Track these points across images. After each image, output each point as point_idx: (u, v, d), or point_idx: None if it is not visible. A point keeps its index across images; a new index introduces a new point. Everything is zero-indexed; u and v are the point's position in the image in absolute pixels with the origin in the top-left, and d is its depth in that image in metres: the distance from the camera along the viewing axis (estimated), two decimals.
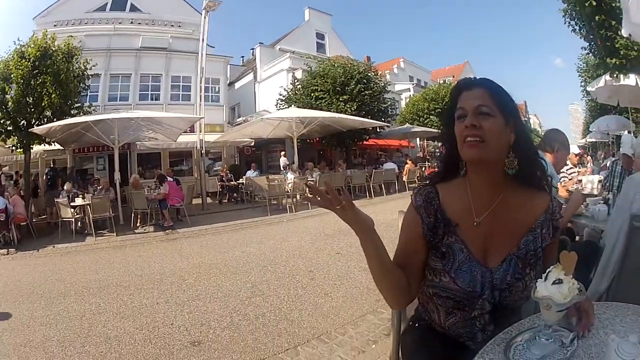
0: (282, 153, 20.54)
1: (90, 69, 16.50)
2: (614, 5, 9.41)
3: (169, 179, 13.86)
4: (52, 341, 4.48)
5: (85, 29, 22.95)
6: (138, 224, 12.67)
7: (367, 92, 22.65)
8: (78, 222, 11.99)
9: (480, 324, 1.64)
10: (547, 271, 1.38)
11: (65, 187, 13.72)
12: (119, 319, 5.00)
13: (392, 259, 1.68)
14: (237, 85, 33.47)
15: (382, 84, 24.63)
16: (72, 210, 11.52)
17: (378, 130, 23.97)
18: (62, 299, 5.41)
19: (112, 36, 24.01)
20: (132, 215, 12.72)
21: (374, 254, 1.57)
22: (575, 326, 1.44)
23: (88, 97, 19.14)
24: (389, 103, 25.27)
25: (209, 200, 17.85)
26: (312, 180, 16.62)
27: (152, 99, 24.60)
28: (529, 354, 1.35)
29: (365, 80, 22.95)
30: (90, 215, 11.34)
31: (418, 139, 33.24)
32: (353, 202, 1.54)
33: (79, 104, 16.28)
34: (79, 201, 11.86)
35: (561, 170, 7.01)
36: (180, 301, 5.61)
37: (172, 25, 26.28)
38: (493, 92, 1.61)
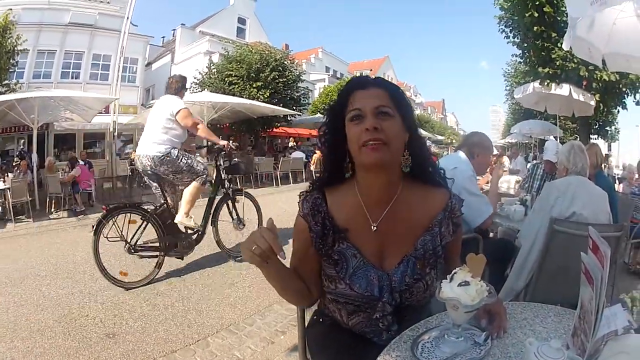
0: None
1: (21, 44, 15.91)
2: (558, 19, 9.79)
3: (80, 162, 13.48)
4: None
5: (23, 1, 21.95)
6: (53, 209, 12.14)
7: (281, 80, 22.83)
8: None
9: (383, 325, 1.60)
10: (452, 272, 1.34)
11: None
12: (39, 311, 4.83)
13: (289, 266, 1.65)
14: (155, 66, 32.70)
15: (297, 73, 24.92)
16: None
17: (289, 118, 24.17)
18: None
19: (45, 10, 23.06)
20: (48, 199, 12.21)
21: (275, 280, 1.59)
22: (487, 327, 1.42)
23: (15, 74, 18.32)
24: (302, 92, 25.68)
25: (119, 184, 17.39)
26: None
27: (72, 78, 24.04)
28: (439, 352, 1.32)
29: (280, 68, 23.14)
30: (10, 200, 10.71)
31: None
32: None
33: (7, 81, 15.70)
34: (0, 185, 11.14)
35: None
36: (93, 291, 5.46)
37: (102, 1, 25.50)
38: (390, 91, 1.58)
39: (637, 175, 8.64)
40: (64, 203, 12.40)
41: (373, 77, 1.66)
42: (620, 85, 10.79)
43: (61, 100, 14.08)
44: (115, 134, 17.18)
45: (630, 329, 1.17)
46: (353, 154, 1.56)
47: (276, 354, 3.78)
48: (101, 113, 17.42)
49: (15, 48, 15.65)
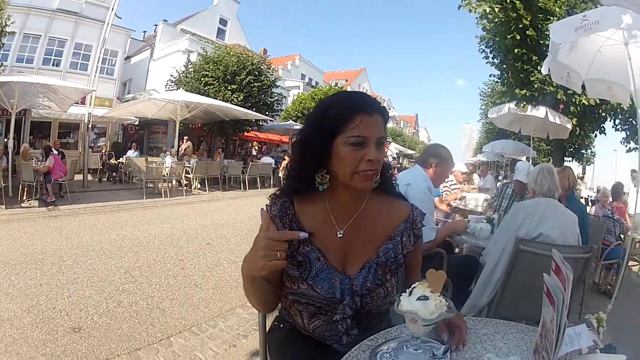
0: (185, 138, 20.25)
1: (10, 25, 15.49)
2: (541, 42, 9.84)
3: (54, 152, 13.18)
4: None
5: None
6: (25, 197, 11.98)
7: (256, 84, 22.97)
8: None
9: (343, 328, 1.64)
10: (411, 287, 1.34)
11: None
12: (9, 300, 4.81)
13: None
14: (133, 60, 32.25)
15: (273, 78, 24.98)
16: None
17: (260, 123, 24.24)
18: None
19: None
20: (20, 187, 12.02)
21: (259, 288, 1.59)
22: (447, 340, 1.42)
23: (0, 55, 17.99)
24: (276, 98, 25.67)
25: (89, 177, 17.27)
26: (189, 167, 16.65)
27: (53, 65, 23.52)
28: None
29: (256, 72, 23.29)
30: None
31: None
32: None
33: None
34: None
35: (443, 185, 7.29)
36: (60, 284, 5.44)
37: None
38: (385, 119, 1.62)
39: (610, 199, 8.76)
40: (35, 192, 12.25)
41: (349, 87, 1.65)
42: (600, 111, 10.72)
43: (41, 87, 13.86)
44: (90, 125, 16.81)
45: (595, 349, 1.20)
46: (342, 175, 1.55)
47: (238, 358, 3.81)
48: (77, 103, 17.25)
49: (4, 29, 15.25)
